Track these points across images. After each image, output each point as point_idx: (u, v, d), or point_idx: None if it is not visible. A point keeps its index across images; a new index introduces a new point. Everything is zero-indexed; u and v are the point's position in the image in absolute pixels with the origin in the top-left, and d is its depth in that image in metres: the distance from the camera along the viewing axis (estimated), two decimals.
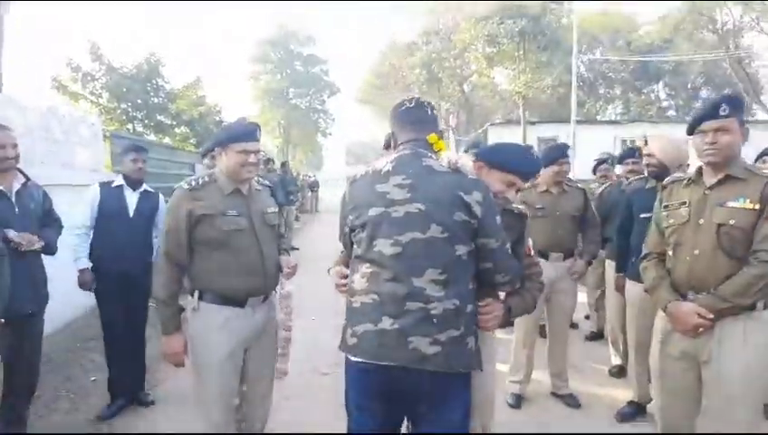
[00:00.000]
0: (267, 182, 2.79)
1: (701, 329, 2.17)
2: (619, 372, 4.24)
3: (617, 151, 19.52)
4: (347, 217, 1.91)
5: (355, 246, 1.86)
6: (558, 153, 3.77)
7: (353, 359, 1.80)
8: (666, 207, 2.42)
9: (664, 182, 2.52)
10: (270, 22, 36.21)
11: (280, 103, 35.53)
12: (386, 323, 1.71)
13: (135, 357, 3.75)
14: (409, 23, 30.83)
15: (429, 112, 1.94)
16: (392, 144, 2.05)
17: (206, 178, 2.43)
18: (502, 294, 2.05)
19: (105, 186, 3.66)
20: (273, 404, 2.73)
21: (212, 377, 2.38)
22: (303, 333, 5.16)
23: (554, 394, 3.81)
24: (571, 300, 3.86)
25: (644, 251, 2.55)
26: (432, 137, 1.89)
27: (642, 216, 3.37)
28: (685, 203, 2.31)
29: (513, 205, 2.22)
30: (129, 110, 8.87)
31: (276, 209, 2.64)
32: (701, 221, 2.22)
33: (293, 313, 2.69)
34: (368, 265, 1.78)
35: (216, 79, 45.07)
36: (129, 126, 8.98)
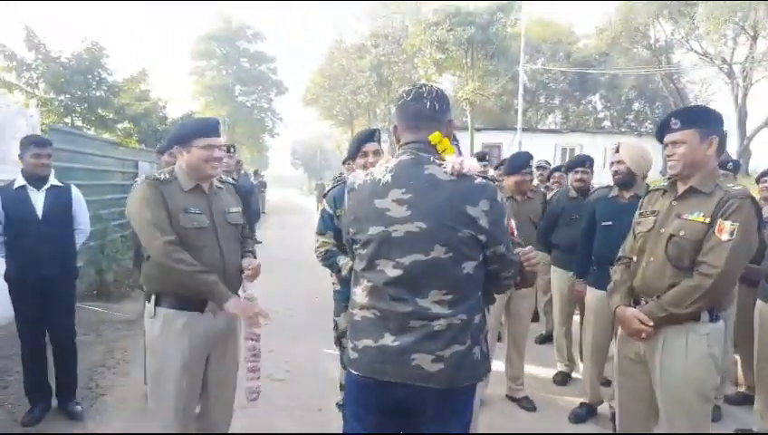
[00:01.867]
0: (230, 179, 2.71)
1: (643, 334, 2.27)
2: (563, 379, 4.35)
3: (557, 158, 20.37)
4: (347, 228, 1.79)
5: (357, 260, 1.76)
6: (521, 163, 3.86)
7: (354, 373, 1.73)
8: (641, 214, 2.49)
9: (649, 189, 2.58)
10: (215, 17, 34.92)
11: (225, 100, 34.64)
12: (387, 340, 1.63)
13: (64, 367, 3.53)
14: (357, 24, 30.76)
15: (430, 105, 1.72)
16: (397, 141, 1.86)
17: (167, 175, 2.33)
18: None
19: (6, 189, 3.35)
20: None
21: (169, 386, 2.28)
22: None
23: (510, 397, 3.88)
24: (530, 305, 3.97)
25: (619, 254, 2.62)
26: (435, 136, 1.72)
27: (604, 223, 3.48)
28: (655, 212, 2.38)
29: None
30: (69, 102, 8.36)
31: (240, 209, 2.55)
32: (662, 230, 2.29)
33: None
34: (369, 280, 1.69)
35: (159, 73, 43.38)
36: (68, 119, 8.48)
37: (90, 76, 8.47)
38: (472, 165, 1.67)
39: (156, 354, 2.31)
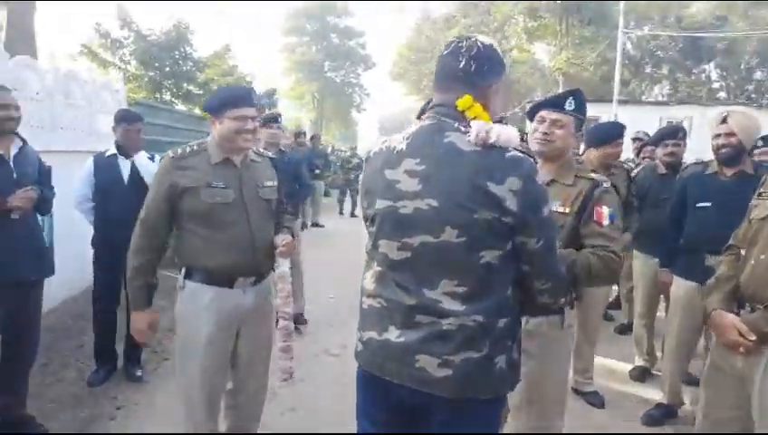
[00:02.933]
0: (269, 153, 2.60)
1: (741, 348, 1.86)
2: (641, 374, 3.94)
3: None
4: (362, 202, 1.57)
5: (368, 239, 1.55)
6: (614, 132, 3.48)
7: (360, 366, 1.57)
8: (759, 194, 2.03)
9: None
10: None
11: (314, 76, 35.30)
12: (392, 334, 1.44)
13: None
14: None
15: (466, 64, 1.42)
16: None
17: (195, 147, 2.27)
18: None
19: (99, 156, 3.60)
20: (282, 384, 2.55)
21: (194, 360, 2.25)
22: (319, 312, 5.06)
23: (576, 391, 3.54)
24: (604, 291, 3.58)
25: (729, 242, 2.18)
26: (464, 101, 1.42)
27: (699, 205, 3.02)
28: None
29: (588, 172, 2.11)
30: (157, 78, 8.78)
31: (275, 183, 2.43)
32: None
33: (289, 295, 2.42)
34: (376, 263, 1.50)
35: (247, 49, 45.06)
36: (158, 95, 8.91)
37: (177, 52, 8.81)
38: (506, 134, 1.36)
39: (182, 328, 2.30)
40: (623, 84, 21.75)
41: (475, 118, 1.42)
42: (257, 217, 2.29)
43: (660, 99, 28.64)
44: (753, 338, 1.81)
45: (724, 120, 2.87)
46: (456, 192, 1.34)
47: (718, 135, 2.91)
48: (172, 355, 4.03)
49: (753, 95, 27.72)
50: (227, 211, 2.21)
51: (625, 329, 4.83)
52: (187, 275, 2.27)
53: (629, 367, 4.04)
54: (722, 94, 29.29)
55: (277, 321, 2.45)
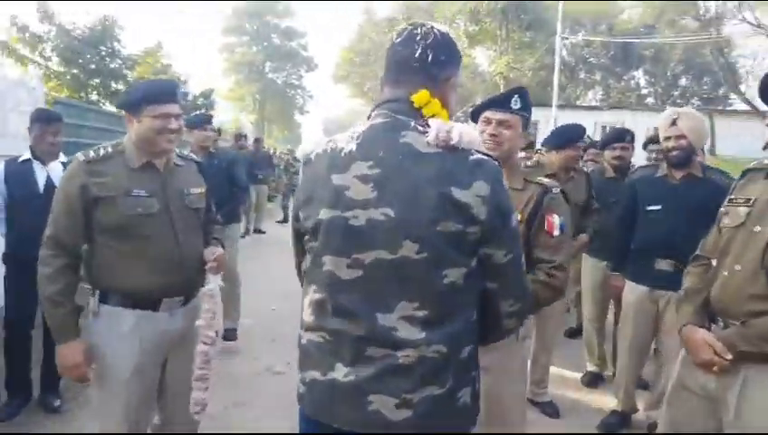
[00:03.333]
0: (195, 157, 2.32)
1: (716, 368, 1.72)
2: (593, 380, 3.89)
3: (596, 137, 19.42)
4: (297, 212, 1.35)
5: (307, 258, 1.33)
6: (576, 135, 3.42)
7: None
8: (731, 200, 1.88)
9: (748, 167, 1.94)
10: None
11: (255, 77, 34.54)
12: (338, 373, 1.22)
13: (52, 354, 3.26)
14: None
15: (422, 53, 1.25)
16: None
17: (110, 149, 1.96)
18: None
19: (11, 162, 3.21)
20: (220, 411, 2.26)
21: (116, 395, 1.94)
22: (260, 327, 4.76)
23: (531, 401, 3.43)
24: (563, 302, 3.52)
25: (697, 252, 2.04)
26: (420, 96, 1.25)
27: (649, 208, 2.97)
28: (749, 201, 1.76)
29: (536, 177, 2.05)
30: (82, 76, 8.15)
31: (203, 190, 2.15)
32: (757, 229, 1.69)
33: (217, 317, 2.11)
34: (316, 288, 1.27)
35: (184, 48, 43.83)
36: (83, 94, 8.29)
37: (103, 48, 8.24)
38: (469, 134, 1.20)
39: (100, 360, 1.97)
40: (559, 89, 22.43)
41: (433, 116, 1.25)
42: (184, 229, 2.01)
43: (594, 104, 29.78)
44: (730, 357, 1.68)
45: (673, 123, 2.82)
46: (416, 200, 1.16)
47: (668, 138, 2.86)
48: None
49: (678, 101, 29.26)
50: (150, 223, 1.92)
51: (575, 332, 4.80)
52: (103, 299, 1.95)
53: (580, 374, 3.99)
54: (650, 100, 30.80)
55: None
